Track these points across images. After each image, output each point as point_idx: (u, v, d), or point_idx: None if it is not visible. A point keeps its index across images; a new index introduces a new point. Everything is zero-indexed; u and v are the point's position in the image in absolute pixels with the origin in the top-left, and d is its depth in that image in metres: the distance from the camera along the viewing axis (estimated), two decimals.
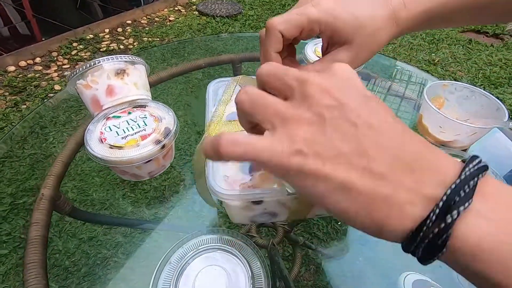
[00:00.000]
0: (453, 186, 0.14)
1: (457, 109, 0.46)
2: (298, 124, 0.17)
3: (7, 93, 1.58)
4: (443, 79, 1.54)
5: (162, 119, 0.37)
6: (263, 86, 0.20)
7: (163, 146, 0.34)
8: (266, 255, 0.43)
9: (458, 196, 0.14)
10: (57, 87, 1.63)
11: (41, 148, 0.59)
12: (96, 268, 0.41)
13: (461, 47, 2.21)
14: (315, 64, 0.27)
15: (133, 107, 0.38)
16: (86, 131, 0.34)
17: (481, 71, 1.97)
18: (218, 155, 0.17)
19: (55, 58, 1.85)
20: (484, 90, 1.43)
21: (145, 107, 0.38)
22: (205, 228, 0.32)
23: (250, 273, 0.28)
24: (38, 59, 1.82)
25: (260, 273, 0.28)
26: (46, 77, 1.71)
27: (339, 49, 0.26)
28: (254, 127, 0.21)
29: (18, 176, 0.53)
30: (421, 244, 0.15)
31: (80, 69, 0.36)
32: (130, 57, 0.39)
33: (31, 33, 2.02)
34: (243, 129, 0.22)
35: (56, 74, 1.74)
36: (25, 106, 1.51)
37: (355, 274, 0.46)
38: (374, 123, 0.16)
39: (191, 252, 0.29)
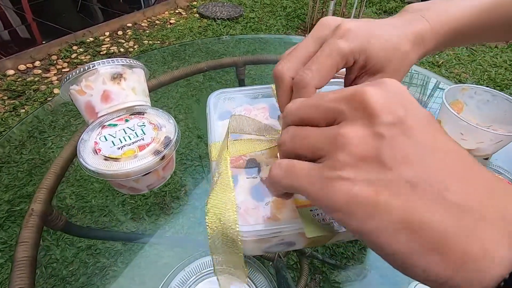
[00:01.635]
0: None
1: (477, 115, 0.43)
2: (349, 142, 0.14)
3: (5, 97, 1.56)
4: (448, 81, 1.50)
5: (162, 127, 0.34)
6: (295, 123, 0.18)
7: (163, 157, 0.31)
8: (271, 263, 0.41)
9: None
10: (56, 90, 1.61)
11: (39, 153, 0.59)
12: (95, 277, 0.40)
13: (465, 48, 2.19)
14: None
15: (130, 114, 0.35)
16: (79, 141, 0.32)
17: (486, 72, 1.94)
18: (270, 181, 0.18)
19: (55, 62, 1.83)
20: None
21: (143, 114, 0.36)
22: (206, 241, 0.29)
23: None
24: (37, 63, 1.80)
25: None
26: (45, 81, 1.69)
27: (372, 79, 0.24)
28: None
29: (16, 182, 0.54)
30: None
31: (73, 73, 0.34)
32: (127, 61, 0.36)
33: (31, 36, 2.00)
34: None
35: (55, 77, 1.72)
36: (24, 110, 1.49)
37: (362, 284, 0.45)
38: (441, 146, 0.14)
39: (193, 277, 0.27)
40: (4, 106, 1.52)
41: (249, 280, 0.26)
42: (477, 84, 1.46)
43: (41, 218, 0.34)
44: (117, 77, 0.35)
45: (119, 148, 0.31)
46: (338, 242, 0.42)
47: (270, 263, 0.41)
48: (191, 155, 0.55)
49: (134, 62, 0.37)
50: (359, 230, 0.14)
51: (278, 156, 0.24)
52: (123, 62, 0.36)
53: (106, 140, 0.32)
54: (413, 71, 0.71)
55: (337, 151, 0.14)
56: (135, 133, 0.33)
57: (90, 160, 0.30)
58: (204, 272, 0.27)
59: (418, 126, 0.14)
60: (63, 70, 1.79)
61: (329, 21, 0.24)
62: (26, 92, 1.60)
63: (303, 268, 0.48)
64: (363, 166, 0.14)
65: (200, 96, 0.74)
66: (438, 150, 0.14)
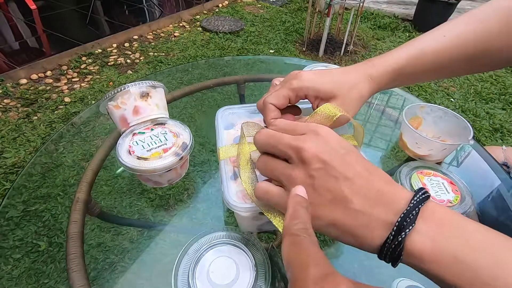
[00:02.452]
0: (402, 215, 0.22)
1: (433, 128, 0.52)
2: (297, 182, 0.25)
3: (19, 105, 1.65)
4: (436, 94, 1.61)
5: (180, 135, 0.43)
6: (265, 152, 0.28)
7: (181, 158, 0.41)
8: (266, 251, 0.48)
9: (405, 222, 0.21)
10: (67, 99, 1.70)
11: (52, 157, 0.61)
12: (104, 272, 0.43)
13: (461, 76, 2.30)
14: (306, 120, 0.35)
15: (154, 125, 0.45)
16: (117, 144, 0.41)
17: (472, 86, 2.06)
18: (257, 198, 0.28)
19: (65, 72, 1.93)
20: (475, 105, 1.50)
21: (164, 125, 0.45)
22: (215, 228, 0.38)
23: (254, 263, 0.34)
24: (49, 73, 1.91)
25: (262, 262, 0.34)
26: (56, 90, 1.79)
27: (327, 103, 0.33)
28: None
29: (30, 184, 0.55)
30: (387, 254, 0.22)
31: (112, 92, 0.43)
32: (152, 82, 0.46)
33: (41, 48, 2.11)
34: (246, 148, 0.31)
35: (66, 87, 1.82)
36: (36, 117, 1.58)
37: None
38: (349, 175, 0.24)
39: (205, 245, 0.36)
40: (18, 113, 1.61)
41: (250, 253, 0.35)
42: (464, 98, 1.56)
43: (84, 204, 0.43)
44: (144, 95, 0.45)
45: (148, 150, 0.41)
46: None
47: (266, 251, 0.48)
48: (194, 161, 0.59)
49: (157, 83, 0.47)
50: (314, 228, 0.25)
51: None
52: (149, 83, 0.46)
53: (137, 144, 0.42)
54: (392, 93, 0.80)
55: (290, 185, 0.25)
56: (159, 139, 0.42)
57: (126, 159, 0.39)
58: (214, 243, 0.36)
59: (336, 165, 0.24)
60: (72, 79, 1.89)
61: (295, 72, 0.35)
62: (38, 100, 1.69)
63: None
64: (307, 194, 0.24)
65: (202, 106, 0.77)
66: (349, 178, 0.23)
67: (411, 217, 0.21)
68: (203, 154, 0.62)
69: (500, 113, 1.83)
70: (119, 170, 0.57)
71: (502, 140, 1.63)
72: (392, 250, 0.22)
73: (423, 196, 0.22)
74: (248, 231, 0.38)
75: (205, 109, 0.76)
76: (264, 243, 0.47)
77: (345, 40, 2.20)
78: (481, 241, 0.20)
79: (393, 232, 0.22)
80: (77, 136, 0.66)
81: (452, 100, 1.93)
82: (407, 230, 0.21)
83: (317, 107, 0.35)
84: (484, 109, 1.85)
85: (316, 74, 0.34)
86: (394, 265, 0.23)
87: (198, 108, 0.76)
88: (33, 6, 2.54)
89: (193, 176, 0.56)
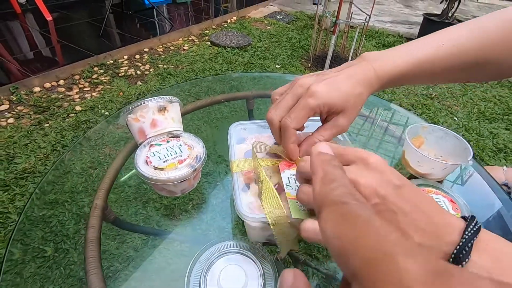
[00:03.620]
0: (457, 247, 0.21)
1: (435, 147, 0.55)
2: None
3: (31, 112, 1.70)
4: (440, 113, 1.63)
5: (194, 147, 0.46)
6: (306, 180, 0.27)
7: (195, 170, 0.43)
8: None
9: (462, 254, 0.21)
10: (78, 108, 1.75)
11: (61, 164, 0.61)
12: (108, 280, 0.43)
13: (457, 83, 2.34)
14: (323, 132, 0.36)
15: (170, 137, 0.48)
16: (135, 155, 0.44)
17: (476, 106, 2.08)
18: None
19: (77, 81, 1.99)
20: (479, 124, 1.52)
21: (179, 137, 0.48)
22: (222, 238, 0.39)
23: (262, 272, 0.36)
24: (61, 82, 1.97)
25: (270, 272, 0.36)
26: (68, 98, 1.84)
27: (337, 117, 0.35)
28: None
29: (39, 190, 0.56)
30: None
31: (131, 106, 0.47)
32: (169, 98, 0.49)
33: (55, 57, 2.18)
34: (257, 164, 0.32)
35: (77, 96, 1.87)
36: (48, 125, 1.62)
37: None
38: (406, 209, 0.22)
39: (216, 253, 0.38)
40: (30, 120, 1.66)
41: (258, 263, 0.37)
42: (468, 117, 1.58)
43: (102, 210, 0.46)
44: (162, 110, 0.48)
45: (164, 161, 0.43)
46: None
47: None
48: (202, 173, 0.58)
49: (174, 98, 0.50)
50: None
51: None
52: (166, 98, 0.49)
53: (154, 155, 0.44)
54: (396, 111, 0.82)
55: None
56: (175, 151, 0.45)
57: (144, 169, 0.42)
58: (224, 251, 0.38)
59: (394, 199, 0.22)
60: (84, 89, 1.94)
61: (304, 82, 0.35)
62: (50, 108, 1.74)
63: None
64: None
65: (209, 119, 0.79)
66: (406, 213, 0.22)
67: (467, 249, 0.21)
68: (209, 166, 0.63)
69: (503, 133, 1.84)
70: (123, 178, 0.59)
71: (505, 160, 1.64)
72: None
73: (475, 228, 0.22)
74: (257, 241, 0.40)
75: (212, 122, 0.78)
76: (269, 255, 0.48)
77: (350, 57, 2.25)
78: None
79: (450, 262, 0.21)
80: (86, 144, 0.67)
81: (456, 119, 1.95)
82: (464, 262, 0.21)
83: (325, 120, 0.37)
84: (487, 129, 1.86)
85: (328, 86, 0.34)
86: None
87: (205, 120, 0.78)
88: (49, 18, 2.64)
89: (198, 187, 0.57)
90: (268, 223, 0.33)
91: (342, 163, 0.24)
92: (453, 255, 0.21)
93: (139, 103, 0.47)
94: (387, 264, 0.12)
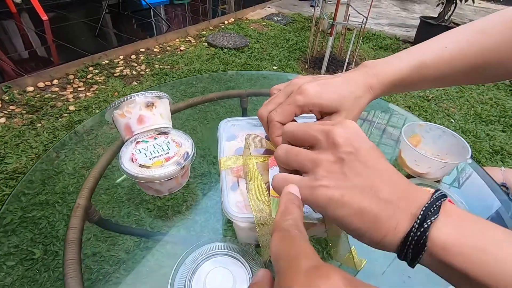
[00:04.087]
0: (424, 207, 0.21)
1: (432, 146, 0.53)
2: (323, 165, 0.24)
3: (24, 112, 1.67)
4: (437, 115, 1.63)
5: (182, 144, 0.44)
6: (290, 142, 0.28)
7: (183, 167, 0.41)
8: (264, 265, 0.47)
9: (430, 212, 0.21)
10: (71, 107, 1.73)
11: (53, 164, 0.60)
12: (98, 283, 0.42)
13: (460, 85, 2.34)
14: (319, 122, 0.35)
15: (158, 134, 0.46)
16: (120, 152, 0.42)
17: (472, 108, 2.08)
18: (274, 188, 0.27)
19: (71, 81, 1.97)
20: (475, 126, 1.52)
21: (168, 134, 0.46)
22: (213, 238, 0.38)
23: (250, 275, 0.34)
24: (55, 81, 1.94)
25: None
26: (61, 98, 1.82)
27: (331, 116, 0.34)
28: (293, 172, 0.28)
29: (30, 191, 0.55)
30: (410, 247, 0.21)
31: (118, 102, 0.45)
32: (157, 93, 0.48)
33: (49, 57, 2.15)
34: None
35: (71, 95, 1.85)
36: (40, 125, 1.60)
37: None
38: (378, 166, 0.24)
39: (202, 256, 0.36)
40: (22, 120, 1.63)
41: (247, 265, 0.35)
42: (464, 119, 1.58)
43: (84, 210, 0.43)
44: (150, 105, 0.46)
45: (150, 159, 0.41)
46: (312, 237, 0.47)
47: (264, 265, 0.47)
48: (194, 173, 0.58)
49: (162, 94, 0.48)
50: (334, 217, 0.24)
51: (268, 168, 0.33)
52: (154, 94, 0.47)
53: (140, 152, 0.42)
54: (393, 112, 0.81)
55: (318, 169, 0.24)
56: (162, 148, 0.43)
57: (129, 166, 0.40)
58: (211, 253, 0.36)
59: (366, 154, 0.24)
60: (78, 89, 1.92)
61: (298, 81, 0.35)
62: (43, 107, 1.72)
63: None
64: (334, 177, 0.23)
65: (205, 119, 0.78)
66: (377, 169, 0.23)
67: (435, 207, 0.21)
68: (203, 166, 0.63)
69: (500, 135, 1.84)
70: (118, 180, 0.57)
71: (502, 162, 1.63)
72: (416, 241, 0.21)
73: (441, 194, 0.23)
74: (247, 242, 0.38)
75: (207, 122, 0.77)
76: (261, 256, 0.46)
77: (347, 59, 2.24)
78: (506, 236, 0.20)
79: (418, 220, 0.21)
80: (79, 144, 0.66)
81: (452, 121, 1.94)
82: (432, 218, 0.21)
83: (321, 119, 0.35)
84: (484, 131, 1.86)
85: (321, 86, 0.34)
86: (413, 263, 0.22)
87: (201, 121, 0.77)
88: (44, 17, 2.62)
89: (192, 188, 0.56)
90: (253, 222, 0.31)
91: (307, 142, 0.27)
92: (421, 214, 0.21)
93: (125, 98, 0.45)
94: (294, 263, 0.18)
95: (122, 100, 0.45)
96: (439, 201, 0.22)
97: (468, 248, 0.20)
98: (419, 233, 0.21)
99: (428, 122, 0.53)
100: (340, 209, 0.23)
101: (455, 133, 0.50)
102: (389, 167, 0.24)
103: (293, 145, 0.27)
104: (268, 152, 0.39)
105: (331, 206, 0.23)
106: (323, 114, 0.35)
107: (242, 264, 0.35)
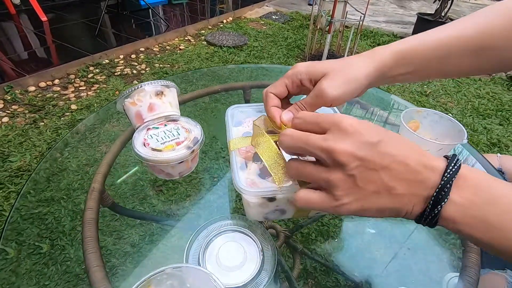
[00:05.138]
0: (437, 190, 0.24)
1: (430, 131, 0.55)
2: (337, 185, 0.25)
3: (26, 111, 1.69)
4: (435, 109, 1.65)
5: (192, 130, 0.46)
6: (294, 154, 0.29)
7: (193, 151, 0.43)
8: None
9: (441, 195, 0.24)
10: (73, 106, 1.74)
11: (57, 162, 0.61)
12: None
13: (451, 80, 2.37)
14: (306, 99, 0.34)
15: (168, 121, 0.48)
16: (133, 138, 0.44)
17: (470, 102, 2.10)
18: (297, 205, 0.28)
19: (73, 80, 1.98)
20: (473, 120, 1.54)
21: (177, 121, 0.48)
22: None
23: (260, 248, 0.36)
24: (57, 81, 1.95)
25: (269, 249, 0.36)
26: (63, 97, 1.83)
27: (320, 80, 0.33)
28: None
29: (35, 188, 0.55)
30: (425, 222, 0.25)
31: (128, 90, 0.47)
32: (166, 82, 0.50)
33: (49, 58, 2.16)
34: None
35: (73, 95, 1.86)
36: (43, 123, 1.61)
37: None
38: (386, 163, 0.24)
39: (214, 231, 0.38)
40: (25, 119, 1.64)
41: (256, 239, 0.37)
42: (462, 113, 1.60)
43: (99, 193, 0.45)
44: (159, 94, 0.48)
45: (162, 143, 0.43)
46: (317, 215, 0.49)
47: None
48: (196, 169, 0.59)
49: (170, 83, 0.50)
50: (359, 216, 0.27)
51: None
52: (163, 83, 0.49)
53: (152, 138, 0.44)
54: (393, 102, 0.82)
55: (333, 190, 0.26)
56: (172, 133, 0.45)
57: (142, 150, 0.42)
58: (222, 229, 0.38)
59: (371, 158, 0.24)
60: (80, 88, 1.93)
61: (297, 64, 0.36)
62: (45, 107, 1.73)
63: (296, 260, 0.57)
64: (350, 193, 0.25)
65: (205, 115, 0.79)
66: (386, 167, 0.24)
67: (446, 190, 0.23)
68: (206, 162, 0.64)
69: (497, 128, 1.86)
70: (120, 180, 0.58)
71: (500, 154, 1.66)
72: (429, 220, 0.24)
73: (455, 168, 0.24)
74: (255, 219, 0.40)
75: (209, 119, 0.78)
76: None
77: (345, 56, 2.26)
78: (508, 204, 0.23)
79: (429, 206, 0.24)
80: (83, 142, 0.67)
81: (450, 115, 1.97)
82: (442, 203, 0.23)
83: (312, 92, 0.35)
84: (481, 124, 1.88)
85: (313, 63, 0.35)
86: (431, 227, 0.26)
87: (202, 118, 0.78)
88: (44, 18, 2.63)
89: (196, 183, 0.58)
90: (267, 199, 0.33)
91: (318, 131, 0.26)
92: (433, 197, 0.24)
93: (136, 87, 0.47)
94: None
95: (132, 89, 0.46)
96: (452, 179, 0.23)
97: (473, 220, 0.23)
98: (430, 217, 0.24)
99: (425, 108, 0.55)
100: (364, 213, 0.26)
101: (452, 118, 0.52)
102: (398, 154, 0.25)
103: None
104: (271, 133, 0.41)
105: (355, 215, 0.26)
106: (314, 83, 0.35)
107: (252, 239, 0.37)
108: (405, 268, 0.49)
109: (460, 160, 0.25)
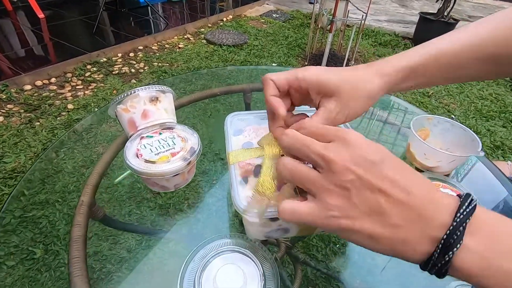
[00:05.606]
0: (448, 232, 0.20)
1: (440, 140, 0.52)
2: (330, 194, 0.23)
3: (22, 110, 1.65)
4: (437, 111, 1.63)
5: (188, 139, 0.43)
6: (291, 155, 0.27)
7: (189, 163, 0.40)
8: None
9: (452, 239, 0.20)
10: (70, 106, 1.71)
11: (52, 163, 0.60)
12: (100, 282, 0.41)
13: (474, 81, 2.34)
14: (315, 119, 0.32)
15: (163, 129, 0.45)
16: (125, 147, 0.41)
17: (473, 104, 2.08)
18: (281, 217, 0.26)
19: (70, 79, 1.95)
20: (476, 122, 1.51)
21: (173, 129, 0.45)
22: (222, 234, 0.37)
23: (262, 272, 0.33)
24: (53, 79, 1.92)
25: (270, 272, 0.34)
26: (60, 97, 1.80)
27: (329, 99, 0.31)
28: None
29: (29, 190, 0.54)
30: (432, 269, 0.21)
31: (121, 96, 0.44)
32: (161, 87, 0.46)
33: (47, 55, 2.13)
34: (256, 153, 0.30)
35: (69, 94, 1.83)
36: (38, 123, 1.58)
37: None
38: (385, 187, 0.22)
39: (212, 252, 0.35)
40: (20, 118, 1.61)
41: (258, 262, 0.34)
42: (465, 115, 1.57)
43: (89, 207, 0.42)
44: (154, 100, 0.45)
45: (155, 154, 0.40)
46: (321, 232, 0.46)
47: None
48: (196, 171, 0.57)
49: (166, 88, 0.47)
50: (349, 240, 0.24)
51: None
52: (158, 88, 0.46)
53: (145, 148, 0.41)
54: (393, 102, 0.81)
55: (325, 196, 0.23)
56: (167, 143, 0.42)
57: (134, 162, 0.39)
58: (220, 250, 0.35)
59: (370, 177, 0.22)
60: (77, 87, 1.90)
61: (308, 69, 0.33)
62: (41, 106, 1.70)
63: (297, 271, 0.55)
64: (342, 206, 0.23)
65: (205, 117, 0.77)
66: (384, 191, 0.22)
67: (458, 234, 0.20)
68: (205, 164, 0.62)
69: (500, 130, 1.83)
70: (118, 179, 0.56)
71: (503, 157, 1.63)
72: (439, 268, 0.21)
73: (469, 208, 0.21)
74: (256, 238, 0.37)
75: (208, 120, 0.76)
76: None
77: (346, 56, 2.23)
78: None
79: (438, 250, 0.20)
80: (79, 143, 0.65)
81: (453, 116, 1.94)
82: (455, 249, 0.20)
83: (319, 105, 0.33)
84: (484, 126, 1.86)
85: (323, 69, 0.32)
86: (439, 277, 0.22)
87: (201, 118, 0.76)
88: (41, 15, 2.59)
89: (194, 186, 0.56)
90: (269, 219, 0.31)
91: (322, 141, 0.25)
92: (442, 240, 0.20)
93: (129, 93, 0.43)
94: None
95: (125, 94, 0.43)
96: (466, 222, 0.20)
97: (489, 269, 0.20)
98: (439, 264, 0.20)
99: (436, 115, 0.52)
100: (354, 235, 0.23)
101: (464, 126, 0.50)
102: (401, 181, 0.22)
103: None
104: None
105: (344, 233, 0.23)
106: (321, 97, 0.32)
107: (252, 260, 0.34)
108: (408, 274, 0.47)
109: (475, 200, 0.21)
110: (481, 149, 0.45)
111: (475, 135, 0.47)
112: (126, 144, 0.42)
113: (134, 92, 0.44)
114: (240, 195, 0.33)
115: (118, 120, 0.46)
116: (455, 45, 0.33)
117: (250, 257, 0.35)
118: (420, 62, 0.33)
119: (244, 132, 0.43)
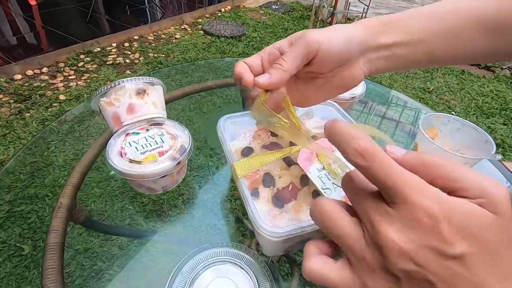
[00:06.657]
0: None
1: (450, 140, 0.49)
2: (372, 274, 0.17)
3: (12, 101, 1.60)
4: (438, 107, 1.59)
5: (178, 137, 0.39)
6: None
7: (179, 163, 0.37)
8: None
9: None
10: (62, 97, 1.66)
11: (42, 156, 0.59)
12: (90, 280, 0.40)
13: (454, 77, 2.31)
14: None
15: (150, 125, 0.41)
16: (108, 145, 0.37)
17: (473, 101, 2.05)
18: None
19: (62, 69, 1.89)
20: (476, 119, 1.48)
21: (161, 125, 0.41)
22: (209, 242, 0.34)
23: (257, 286, 0.30)
24: (45, 69, 1.86)
25: (266, 286, 0.30)
26: (51, 87, 1.74)
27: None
28: None
29: (18, 184, 0.53)
30: None
31: (104, 88, 0.40)
32: (149, 79, 0.42)
33: (39, 44, 2.06)
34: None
35: (61, 84, 1.77)
36: (29, 114, 1.53)
37: None
38: (453, 283, 0.15)
39: (202, 264, 0.32)
40: (10, 109, 1.56)
41: (252, 274, 0.31)
42: (465, 111, 1.54)
43: (68, 211, 0.39)
44: (141, 92, 0.41)
45: (141, 153, 0.37)
46: None
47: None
48: (190, 166, 0.56)
49: (155, 80, 0.43)
50: None
51: None
52: (146, 80, 0.42)
53: (131, 146, 0.37)
54: (405, 104, 0.78)
55: (363, 275, 0.17)
56: (155, 141, 0.38)
57: (117, 162, 0.35)
58: (211, 261, 0.32)
59: (436, 272, 0.15)
60: (69, 77, 1.84)
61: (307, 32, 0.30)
62: (32, 96, 1.65)
63: (294, 274, 0.52)
64: None
65: (201, 109, 0.75)
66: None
67: None
68: (200, 159, 0.60)
69: (501, 128, 1.81)
70: (112, 172, 0.53)
71: (504, 156, 1.61)
72: None
73: None
74: (274, 255, 0.34)
75: (204, 112, 0.75)
76: (265, 257, 0.43)
77: None
78: None
79: None
80: (70, 135, 0.63)
81: (454, 113, 1.91)
82: None
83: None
84: (485, 124, 1.83)
85: (325, 33, 0.30)
86: None
87: (197, 111, 0.75)
88: (33, 2, 2.50)
89: (189, 181, 0.54)
90: (293, 235, 0.27)
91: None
92: None
93: (113, 84, 0.39)
94: None
95: (109, 86, 0.39)
96: None
97: None
98: None
99: (446, 114, 0.49)
100: None
101: (476, 126, 0.46)
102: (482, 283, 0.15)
103: None
104: (275, 146, 0.35)
105: None
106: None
107: (247, 273, 0.31)
108: None
109: None
110: (496, 152, 0.41)
111: (488, 136, 0.44)
112: (110, 141, 0.38)
113: (119, 84, 0.40)
114: (260, 212, 0.28)
115: (102, 115, 0.42)
116: (447, 4, 0.30)
117: (243, 269, 0.31)
118: (405, 17, 0.31)
119: (239, 136, 0.39)
